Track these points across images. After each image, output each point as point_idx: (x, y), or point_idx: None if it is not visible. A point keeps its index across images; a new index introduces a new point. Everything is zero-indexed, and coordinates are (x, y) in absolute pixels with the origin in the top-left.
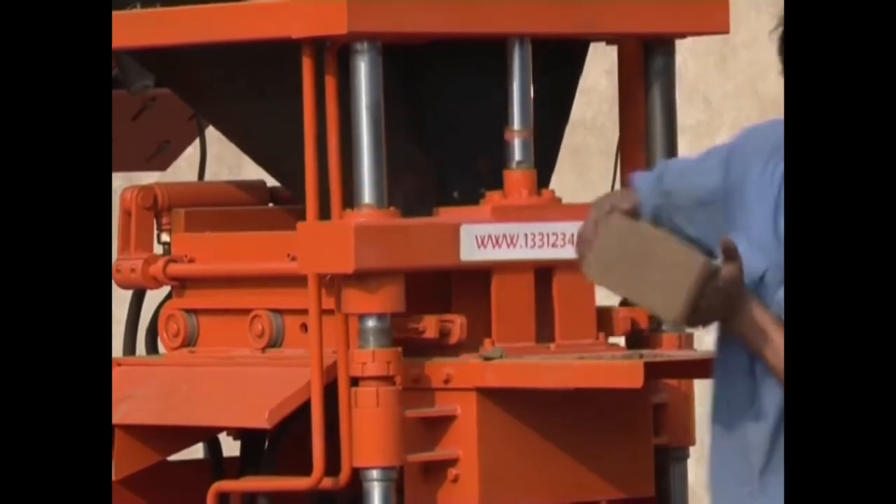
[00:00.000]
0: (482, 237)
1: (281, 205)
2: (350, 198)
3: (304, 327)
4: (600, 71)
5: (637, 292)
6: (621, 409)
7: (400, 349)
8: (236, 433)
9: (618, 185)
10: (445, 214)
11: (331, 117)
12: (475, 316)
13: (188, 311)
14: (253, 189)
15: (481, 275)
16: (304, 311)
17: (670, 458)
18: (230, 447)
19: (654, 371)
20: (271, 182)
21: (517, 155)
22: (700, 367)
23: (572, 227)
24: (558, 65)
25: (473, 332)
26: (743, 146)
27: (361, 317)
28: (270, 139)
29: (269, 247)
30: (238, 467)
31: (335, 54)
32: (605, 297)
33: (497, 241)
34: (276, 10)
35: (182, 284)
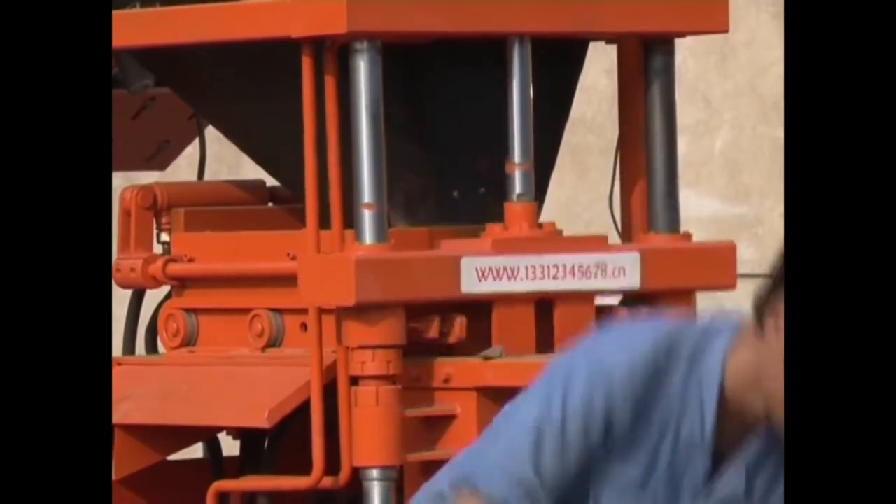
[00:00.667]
0: (483, 269)
1: (280, 204)
2: (349, 204)
3: (304, 327)
4: (600, 70)
5: None
6: None
7: (400, 349)
8: (236, 433)
9: (617, 184)
10: (446, 247)
11: (330, 117)
12: (476, 349)
13: (188, 310)
14: (252, 189)
15: (482, 307)
16: (304, 311)
17: None
18: (230, 447)
19: None
20: (271, 182)
21: (518, 188)
22: None
23: (572, 260)
24: (558, 64)
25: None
26: (609, 392)
27: (363, 349)
28: (270, 139)
29: (268, 246)
30: (238, 467)
31: (335, 54)
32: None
33: (498, 274)
34: (275, 9)
35: (181, 284)
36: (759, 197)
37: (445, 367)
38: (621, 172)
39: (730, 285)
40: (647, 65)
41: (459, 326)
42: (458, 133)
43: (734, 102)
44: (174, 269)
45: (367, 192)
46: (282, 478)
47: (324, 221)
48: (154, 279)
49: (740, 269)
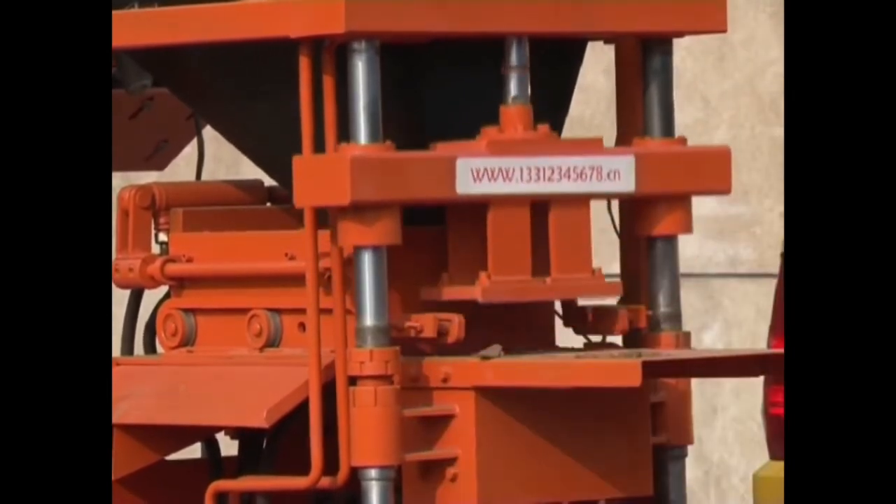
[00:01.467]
0: (478, 170)
1: (279, 204)
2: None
3: (302, 326)
4: (598, 70)
5: None
6: (619, 408)
7: (398, 348)
8: (234, 432)
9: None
10: (442, 148)
11: (328, 117)
12: (471, 250)
13: (186, 310)
14: (251, 188)
15: (477, 209)
16: (302, 311)
17: (668, 457)
18: (228, 447)
19: (652, 370)
20: (269, 182)
21: (513, 90)
22: (698, 366)
23: (568, 162)
24: (556, 63)
25: (469, 267)
26: None
27: (357, 250)
28: (268, 139)
29: (266, 246)
30: (236, 467)
31: (333, 53)
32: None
33: (493, 175)
34: (273, 9)
35: (180, 284)
36: (758, 196)
37: (444, 366)
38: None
39: (724, 189)
40: (645, 64)
41: (458, 326)
42: (457, 133)
43: (732, 102)
44: (172, 269)
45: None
46: (280, 478)
47: (321, 222)
48: (152, 279)
49: (738, 270)
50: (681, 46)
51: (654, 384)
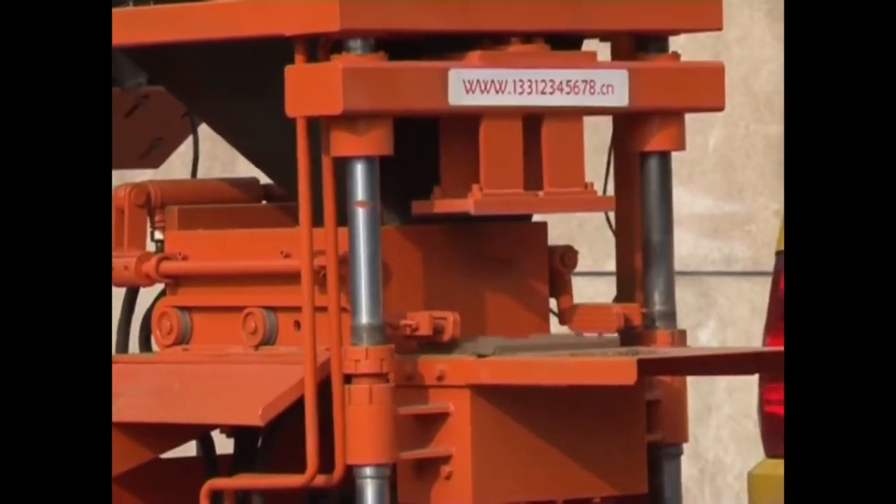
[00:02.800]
0: (470, 82)
1: (274, 202)
2: (342, 201)
3: (298, 325)
4: None
5: None
6: (615, 406)
7: (393, 346)
8: (229, 431)
9: (611, 182)
10: (434, 59)
11: (322, 51)
12: (464, 164)
13: (182, 308)
14: (246, 186)
15: (470, 121)
16: (298, 309)
17: (664, 455)
18: (223, 445)
19: (648, 368)
20: (265, 179)
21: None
22: (693, 364)
23: (562, 75)
24: None
25: (462, 181)
26: None
27: (349, 161)
28: (263, 136)
29: (262, 244)
30: (231, 465)
31: (328, 51)
32: (597, 293)
33: (486, 87)
34: (268, 7)
35: (175, 282)
36: (752, 195)
37: (439, 364)
38: (615, 171)
39: (718, 106)
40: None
41: (453, 323)
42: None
43: (727, 100)
44: (168, 267)
45: (360, 191)
46: (275, 476)
47: (317, 220)
48: (148, 277)
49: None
50: (676, 44)
51: (650, 382)
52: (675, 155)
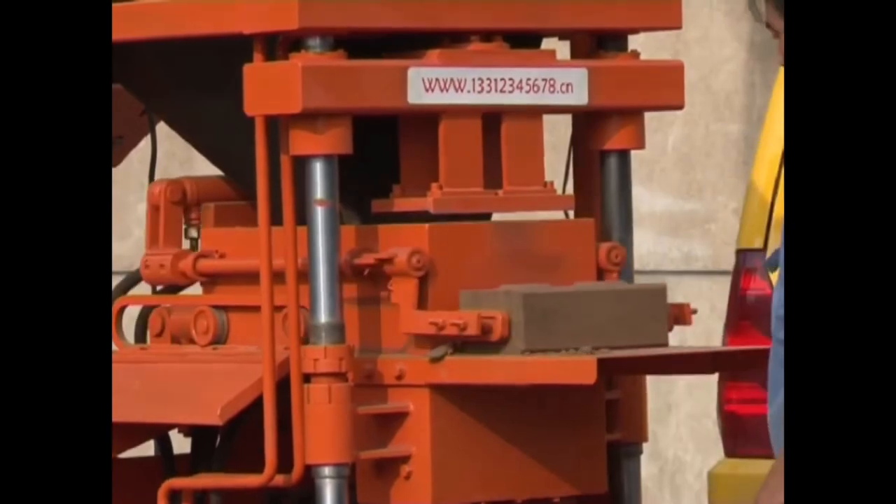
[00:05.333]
0: (430, 80)
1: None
2: (302, 200)
3: (256, 323)
4: None
5: None
6: (574, 405)
7: (351, 345)
8: (188, 430)
9: (570, 182)
10: (394, 58)
11: (281, 49)
12: (423, 162)
13: (218, 307)
14: None
15: (429, 119)
16: (256, 308)
17: (623, 454)
18: (181, 444)
19: (608, 367)
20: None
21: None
22: (654, 364)
23: (521, 73)
24: None
25: (421, 179)
26: None
27: (308, 159)
28: (221, 135)
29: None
30: (189, 465)
31: (287, 49)
32: None
33: (445, 85)
34: (226, 5)
35: (212, 280)
36: (712, 193)
37: (398, 364)
38: (574, 170)
39: (677, 104)
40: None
41: (502, 323)
42: None
43: (687, 99)
44: (205, 265)
45: (319, 189)
46: (234, 476)
47: (275, 219)
48: (184, 275)
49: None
50: (635, 43)
51: (609, 381)
52: (634, 153)
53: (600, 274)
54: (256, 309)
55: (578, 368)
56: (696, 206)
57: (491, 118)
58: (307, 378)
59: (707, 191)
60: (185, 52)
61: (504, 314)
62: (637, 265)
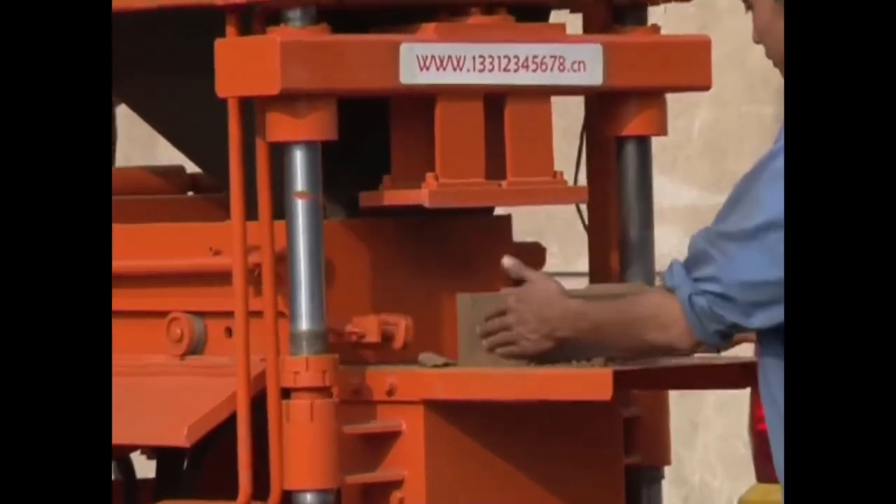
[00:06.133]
0: (425, 58)
1: (202, 193)
2: (279, 194)
3: (229, 331)
4: None
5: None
6: (588, 424)
7: (336, 356)
8: (151, 452)
9: (583, 170)
10: (384, 32)
11: (257, 23)
12: (417, 149)
13: None
14: (170, 175)
15: (424, 101)
16: (229, 314)
17: (643, 479)
18: (144, 467)
19: (626, 380)
20: (191, 167)
21: None
22: (677, 377)
23: (527, 50)
24: None
25: (414, 168)
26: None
27: (287, 146)
28: (189, 118)
29: (188, 240)
30: (153, 490)
31: (264, 23)
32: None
33: (442, 63)
34: None
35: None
36: None
37: (389, 377)
38: (588, 156)
39: (703, 85)
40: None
41: (405, 330)
42: None
43: (716, 77)
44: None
45: (300, 180)
46: (203, 503)
47: (251, 213)
48: None
49: None
50: (657, 14)
51: (627, 397)
52: (655, 140)
53: None
54: (141, 315)
55: (592, 382)
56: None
57: (493, 100)
58: (286, 393)
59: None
60: (149, 28)
61: (408, 320)
62: (658, 265)
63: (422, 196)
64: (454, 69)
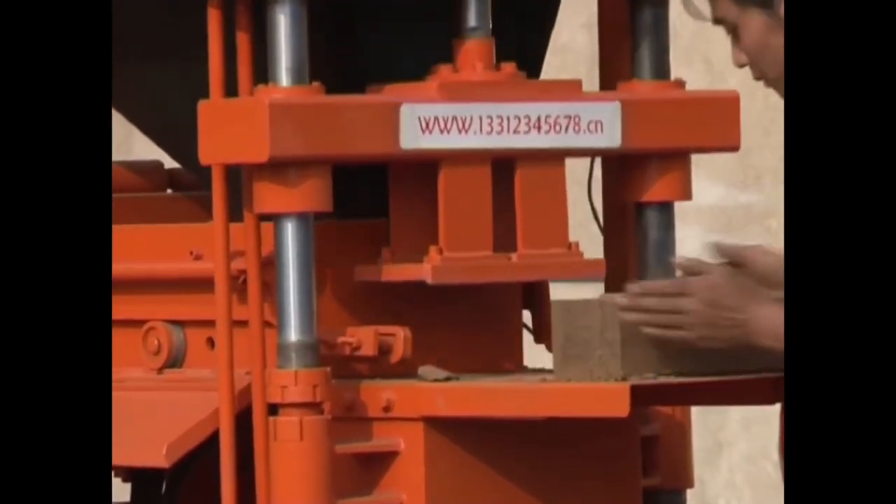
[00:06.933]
0: (428, 120)
1: (182, 191)
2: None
3: (211, 342)
4: (576, 25)
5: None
6: (602, 443)
7: (328, 370)
8: (126, 474)
9: (598, 167)
10: (383, 92)
11: (243, 83)
12: (419, 220)
13: None
14: (147, 171)
15: (426, 167)
16: (211, 323)
17: (663, 503)
18: (120, 490)
19: (643, 396)
20: (170, 163)
21: (471, 20)
22: (700, 391)
23: (538, 109)
24: (525, 18)
25: (416, 241)
26: None
27: (278, 218)
28: (168, 109)
29: (167, 242)
30: None
31: (249, 5)
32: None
33: (446, 125)
34: None
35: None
36: (773, 182)
37: (385, 392)
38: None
39: (731, 145)
40: (633, 18)
41: (402, 341)
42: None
43: (740, 69)
44: None
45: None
46: None
47: (234, 215)
48: None
49: None
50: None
51: (646, 414)
52: None
53: (526, 283)
54: (115, 324)
55: (608, 397)
56: (754, 198)
57: (502, 165)
58: (273, 409)
59: (767, 179)
60: (121, 9)
61: (406, 331)
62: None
63: (424, 272)
64: (459, 131)
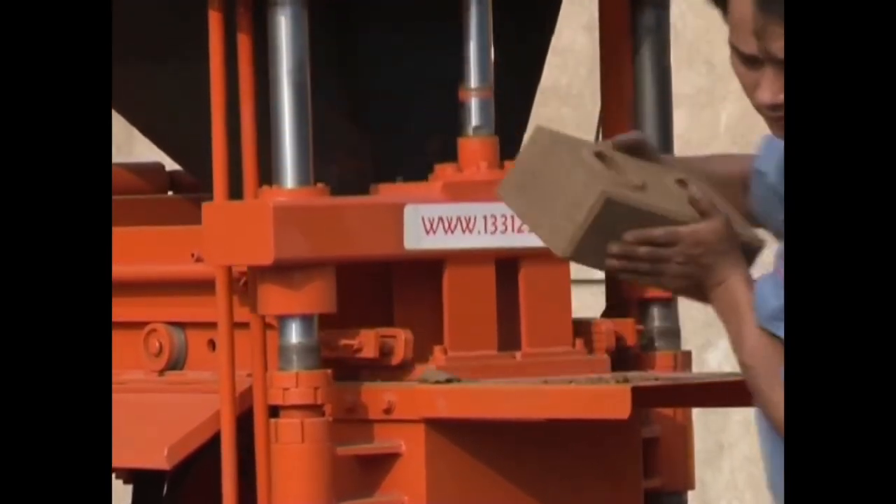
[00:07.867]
0: (432, 220)
1: (183, 193)
2: (268, 178)
3: (212, 344)
4: (577, 27)
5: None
6: (603, 445)
7: (329, 372)
8: (128, 475)
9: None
10: (386, 193)
11: (244, 83)
12: (423, 320)
13: None
14: (148, 173)
15: (430, 267)
16: (212, 325)
17: None
18: (121, 493)
19: (645, 398)
20: (171, 165)
21: (475, 119)
22: (700, 394)
23: None
24: (526, 20)
25: (420, 340)
26: None
27: (282, 319)
28: (169, 111)
29: (168, 244)
30: None
31: (250, 6)
32: (583, 306)
33: (450, 225)
34: None
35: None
36: None
37: (386, 394)
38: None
39: None
40: (634, 20)
41: (404, 342)
42: (402, 106)
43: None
44: None
45: (289, 173)
46: None
47: (235, 194)
48: None
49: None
50: (676, 2)
51: (647, 415)
52: (680, 135)
53: None
54: (116, 326)
55: (609, 399)
56: None
57: (506, 264)
58: (274, 411)
59: None
60: (121, 10)
61: (407, 333)
62: None
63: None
64: (463, 231)
